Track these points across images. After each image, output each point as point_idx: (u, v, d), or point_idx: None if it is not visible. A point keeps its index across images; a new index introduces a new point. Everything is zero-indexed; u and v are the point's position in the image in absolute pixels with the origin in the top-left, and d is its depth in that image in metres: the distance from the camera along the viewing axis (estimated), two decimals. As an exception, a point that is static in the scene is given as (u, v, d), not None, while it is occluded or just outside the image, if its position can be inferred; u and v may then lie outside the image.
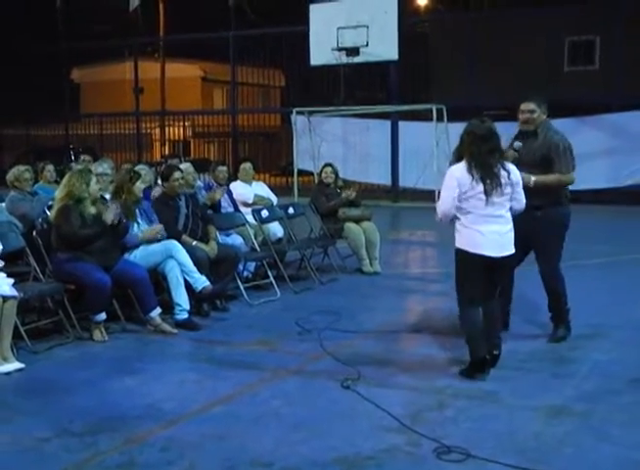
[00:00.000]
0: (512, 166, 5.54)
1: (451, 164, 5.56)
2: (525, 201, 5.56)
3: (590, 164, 17.57)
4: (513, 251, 5.50)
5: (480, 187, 5.30)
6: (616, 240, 12.33)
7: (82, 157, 10.66)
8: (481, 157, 5.32)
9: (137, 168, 8.68)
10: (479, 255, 5.37)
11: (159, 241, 7.22)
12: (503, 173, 5.38)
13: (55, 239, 6.74)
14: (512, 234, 5.49)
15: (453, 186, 5.36)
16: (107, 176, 7.82)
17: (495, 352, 5.57)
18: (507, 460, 4.10)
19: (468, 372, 5.49)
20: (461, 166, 5.37)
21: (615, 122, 17.86)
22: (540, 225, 6.19)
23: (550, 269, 6.40)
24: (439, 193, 5.53)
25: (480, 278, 5.44)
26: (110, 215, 6.65)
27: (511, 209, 5.50)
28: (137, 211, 7.34)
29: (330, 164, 10.24)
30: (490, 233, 5.37)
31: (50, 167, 9.61)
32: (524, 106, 6.36)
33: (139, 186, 7.35)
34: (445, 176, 5.47)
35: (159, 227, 7.31)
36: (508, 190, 5.41)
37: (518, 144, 6.26)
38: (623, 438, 4.40)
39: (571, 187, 6.41)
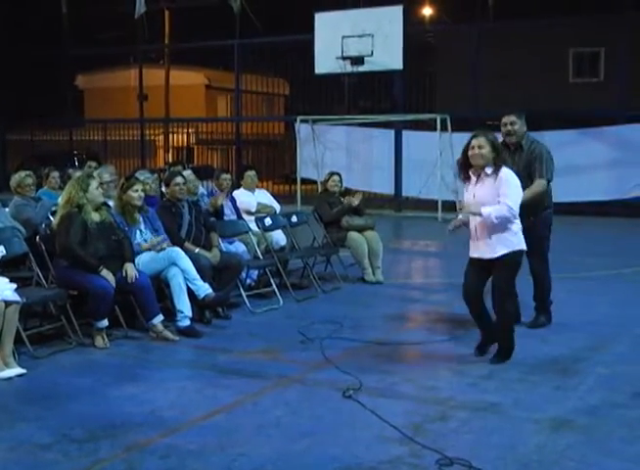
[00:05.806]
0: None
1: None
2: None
3: (594, 176, 17.55)
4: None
5: None
6: (619, 253, 12.31)
7: (88, 163, 10.65)
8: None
9: (137, 174, 8.63)
10: None
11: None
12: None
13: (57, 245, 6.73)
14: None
15: None
16: (110, 183, 7.79)
17: None
18: (509, 473, 4.08)
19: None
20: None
21: (620, 134, 17.80)
22: (536, 229, 6.68)
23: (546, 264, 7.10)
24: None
25: None
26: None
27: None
28: (140, 218, 7.32)
29: (337, 173, 10.24)
30: None
31: (55, 174, 9.63)
32: (505, 119, 6.87)
33: (132, 195, 7.24)
34: (512, 177, 5.85)
35: (160, 238, 7.29)
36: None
37: None
38: (627, 452, 4.37)
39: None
